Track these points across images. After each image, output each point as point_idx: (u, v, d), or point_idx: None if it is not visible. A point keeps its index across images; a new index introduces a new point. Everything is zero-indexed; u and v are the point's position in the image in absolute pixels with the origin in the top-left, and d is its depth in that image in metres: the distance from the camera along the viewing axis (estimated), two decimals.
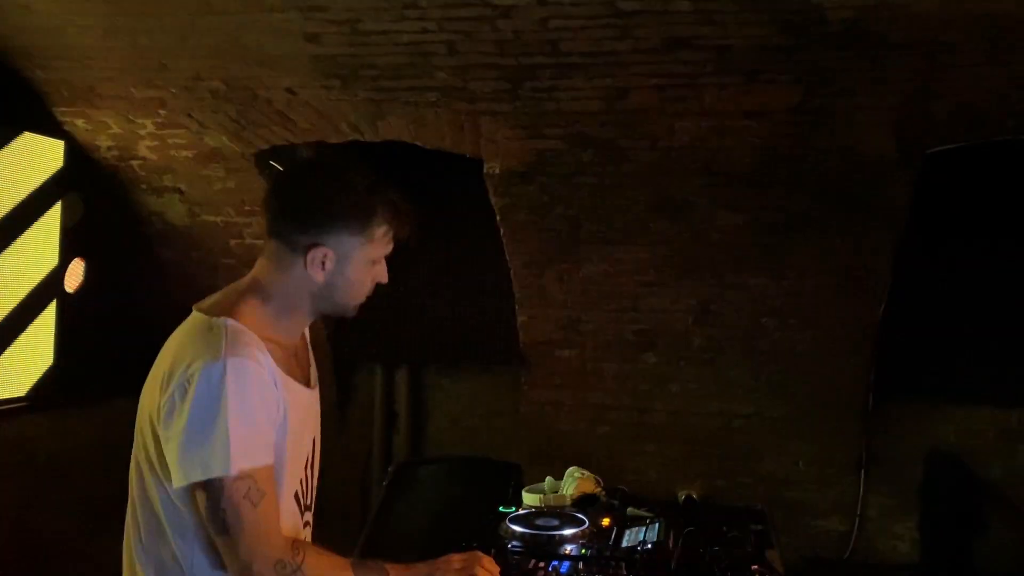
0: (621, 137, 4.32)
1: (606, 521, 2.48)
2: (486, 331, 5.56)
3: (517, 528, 2.38)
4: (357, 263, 1.72)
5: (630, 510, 2.61)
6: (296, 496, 1.75)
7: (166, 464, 1.59)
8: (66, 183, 4.79)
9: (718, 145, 4.27)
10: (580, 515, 2.47)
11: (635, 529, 2.41)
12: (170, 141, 4.72)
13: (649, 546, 2.26)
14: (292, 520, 1.74)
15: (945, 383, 4.96)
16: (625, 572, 2.14)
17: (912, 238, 4.53)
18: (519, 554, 2.24)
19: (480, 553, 1.87)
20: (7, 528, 4.17)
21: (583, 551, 2.27)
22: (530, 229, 4.79)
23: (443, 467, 3.51)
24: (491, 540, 2.30)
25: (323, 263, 1.69)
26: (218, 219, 5.16)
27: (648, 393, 5.14)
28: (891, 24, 3.56)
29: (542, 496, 2.76)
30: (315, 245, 1.68)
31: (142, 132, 4.68)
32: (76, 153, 4.83)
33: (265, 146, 4.71)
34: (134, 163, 4.90)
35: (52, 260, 4.74)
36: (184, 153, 4.79)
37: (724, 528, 2.40)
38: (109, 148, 4.82)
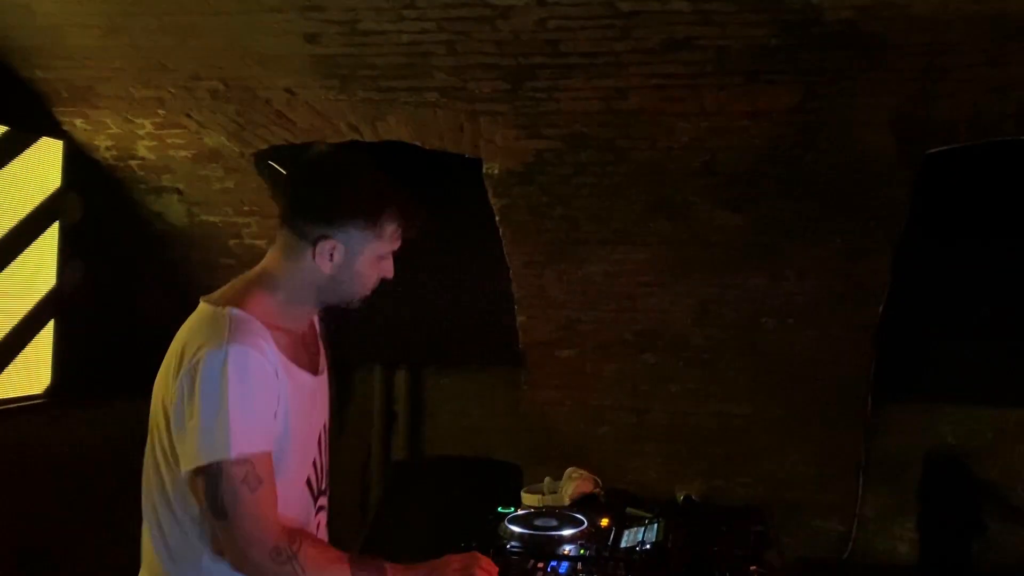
0: (620, 137, 4.31)
1: (605, 521, 2.48)
2: (486, 331, 5.54)
3: (516, 528, 2.38)
4: (364, 257, 1.76)
5: (629, 510, 2.61)
6: (308, 481, 1.78)
7: (176, 452, 1.62)
8: (65, 183, 4.78)
9: (718, 145, 4.27)
10: (579, 515, 2.47)
11: (634, 529, 2.41)
12: (169, 141, 4.72)
13: (648, 546, 2.26)
14: (303, 506, 1.76)
15: (944, 383, 4.95)
16: (624, 572, 2.14)
17: (912, 238, 4.52)
18: (518, 554, 2.24)
19: (479, 553, 1.87)
20: (8, 528, 4.17)
21: (582, 551, 2.27)
22: (530, 229, 4.78)
23: (442, 467, 3.51)
24: (490, 540, 2.30)
25: (331, 255, 1.72)
26: (217, 219, 5.16)
27: (648, 393, 5.14)
28: (891, 24, 3.55)
29: (541, 496, 2.76)
30: (324, 237, 1.71)
31: (141, 132, 4.67)
32: (75, 153, 4.82)
33: (264, 146, 4.70)
34: (133, 163, 4.90)
35: (52, 260, 4.72)
36: (183, 153, 4.78)
37: (723, 528, 2.40)
38: (108, 148, 4.81)
